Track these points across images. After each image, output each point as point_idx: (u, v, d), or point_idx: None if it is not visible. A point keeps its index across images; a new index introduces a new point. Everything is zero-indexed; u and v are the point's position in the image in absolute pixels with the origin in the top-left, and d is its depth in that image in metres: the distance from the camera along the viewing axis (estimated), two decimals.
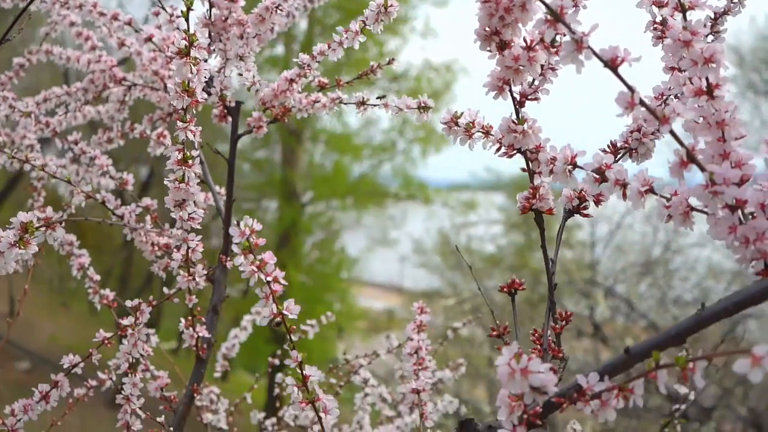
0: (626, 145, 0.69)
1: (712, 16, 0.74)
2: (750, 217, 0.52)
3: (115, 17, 1.11)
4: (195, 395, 1.00)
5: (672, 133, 0.51)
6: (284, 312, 0.63)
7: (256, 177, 11.76)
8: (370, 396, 1.27)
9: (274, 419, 1.35)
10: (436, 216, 11.02)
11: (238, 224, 0.61)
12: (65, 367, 0.92)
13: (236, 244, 0.61)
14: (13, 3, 1.19)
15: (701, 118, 0.55)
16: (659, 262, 6.90)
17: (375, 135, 12.44)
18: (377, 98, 0.92)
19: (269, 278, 0.63)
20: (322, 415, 0.65)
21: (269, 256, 0.63)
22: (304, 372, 0.65)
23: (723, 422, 6.15)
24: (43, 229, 0.67)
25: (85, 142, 1.14)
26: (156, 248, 1.03)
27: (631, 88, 0.51)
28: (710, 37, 0.73)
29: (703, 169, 0.51)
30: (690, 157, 0.52)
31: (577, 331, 6.45)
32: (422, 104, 0.86)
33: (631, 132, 0.69)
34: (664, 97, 0.70)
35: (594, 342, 6.36)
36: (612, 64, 0.51)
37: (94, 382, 1.10)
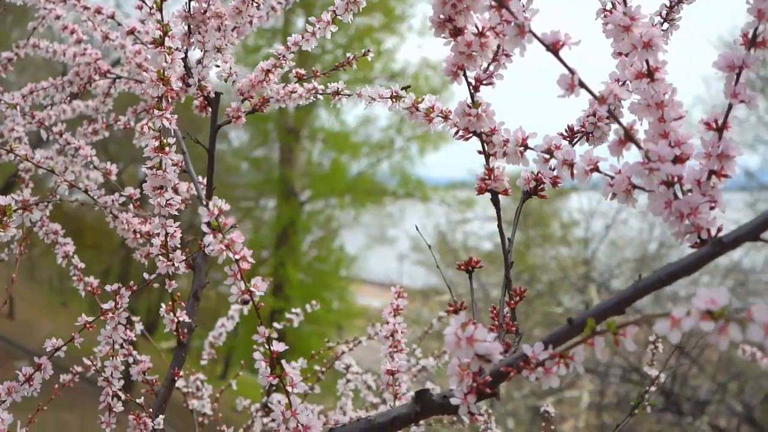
0: (582, 129, 0.72)
1: (668, 4, 0.77)
2: (688, 193, 0.55)
3: (98, 11, 1.14)
4: (176, 378, 1.02)
5: (610, 112, 0.54)
6: (252, 289, 0.66)
7: (255, 176, 11.80)
8: (352, 382, 1.30)
9: (258, 404, 1.38)
10: (433, 213, 11.05)
11: (207, 205, 0.64)
12: (48, 350, 0.95)
13: (205, 223, 0.64)
14: None
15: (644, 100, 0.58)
16: (655, 258, 6.94)
17: (373, 133, 12.48)
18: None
19: (237, 257, 0.65)
20: (289, 388, 0.67)
21: (237, 236, 0.66)
22: (271, 348, 0.68)
23: (718, 417, 6.18)
24: (20, 211, 0.70)
25: (69, 133, 1.17)
26: (138, 236, 1.06)
27: (571, 71, 0.54)
28: (665, 25, 0.76)
29: (640, 147, 0.54)
30: (628, 136, 0.54)
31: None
32: (394, 94, 0.89)
33: (587, 116, 0.72)
34: (620, 83, 0.73)
35: None
36: (553, 48, 0.54)
37: (79, 368, 1.12)
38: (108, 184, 1.21)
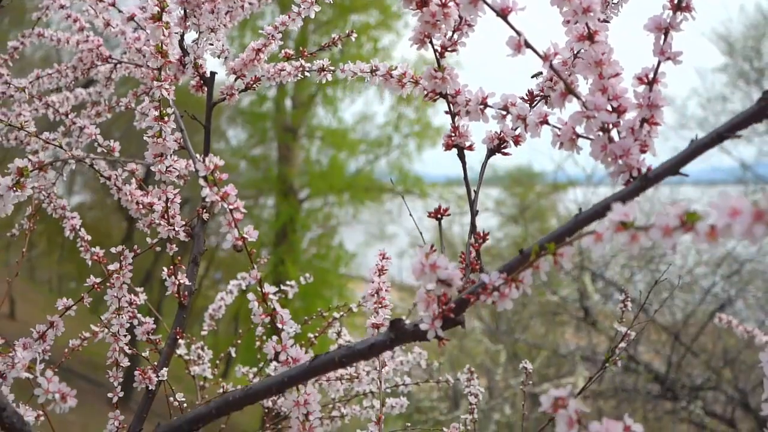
0: (541, 93, 0.80)
1: None
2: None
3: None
4: (178, 338, 1.10)
5: (551, 67, 0.62)
6: (245, 236, 0.74)
7: (253, 174, 11.86)
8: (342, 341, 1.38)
9: (255, 369, 1.46)
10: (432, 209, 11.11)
11: (204, 160, 0.72)
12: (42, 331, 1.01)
13: (201, 177, 0.72)
14: None
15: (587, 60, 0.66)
16: (650, 248, 7.03)
17: (371, 130, 12.55)
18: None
19: (231, 207, 0.73)
20: (279, 325, 0.75)
21: (231, 188, 0.74)
22: (264, 290, 0.76)
23: (713, 403, 6.27)
24: (36, 171, 0.78)
25: (74, 114, 1.25)
26: (141, 207, 1.14)
27: (518, 33, 0.62)
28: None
29: (579, 98, 0.62)
30: (568, 89, 0.62)
31: (575, 323, 6.59)
32: (374, 68, 0.96)
33: (545, 81, 0.79)
34: (575, 51, 0.81)
35: (587, 327, 6.49)
36: (503, 13, 0.62)
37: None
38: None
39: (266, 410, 1.46)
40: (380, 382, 0.96)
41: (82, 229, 1.22)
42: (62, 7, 1.32)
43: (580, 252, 6.79)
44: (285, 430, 1.39)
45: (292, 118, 11.79)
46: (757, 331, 2.19)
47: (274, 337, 0.77)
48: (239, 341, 1.65)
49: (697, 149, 0.57)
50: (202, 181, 0.73)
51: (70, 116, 1.21)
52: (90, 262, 1.19)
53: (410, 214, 1.18)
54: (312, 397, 0.75)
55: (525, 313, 6.72)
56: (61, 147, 1.11)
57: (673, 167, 0.58)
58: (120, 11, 1.21)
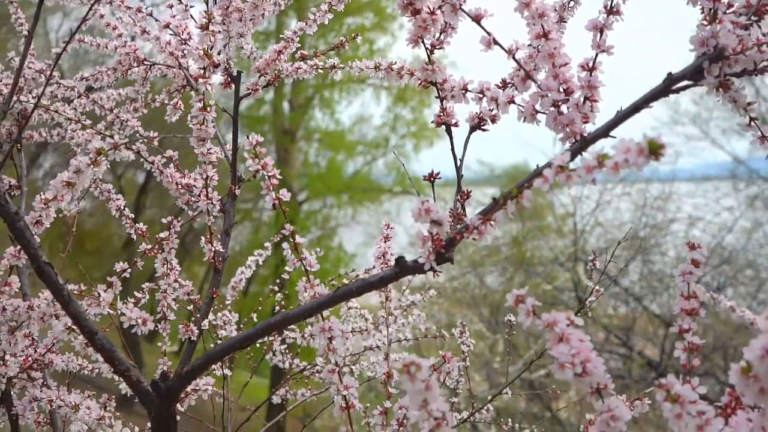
0: (512, 81, 0.99)
1: None
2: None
3: (138, 10, 1.41)
4: (214, 297, 1.30)
5: (514, 59, 0.82)
6: (280, 196, 0.94)
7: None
8: (352, 310, 1.58)
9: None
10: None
11: (248, 137, 0.92)
12: None
13: (246, 150, 0.92)
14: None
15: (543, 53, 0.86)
16: (642, 239, 7.25)
17: (368, 132, 12.75)
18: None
19: (269, 174, 0.93)
20: (308, 267, 0.95)
21: (269, 160, 0.93)
22: (295, 240, 0.96)
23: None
24: (112, 150, 0.97)
25: (118, 110, 1.45)
26: (179, 187, 1.34)
27: (488, 33, 0.82)
28: (572, 3, 1.04)
29: (535, 82, 0.82)
30: (527, 75, 0.82)
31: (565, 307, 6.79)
32: (377, 64, 1.16)
33: (514, 71, 0.99)
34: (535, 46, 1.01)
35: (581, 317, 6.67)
36: (477, 19, 0.82)
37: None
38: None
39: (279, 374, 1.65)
40: (386, 313, 1.16)
41: (126, 209, 1.42)
42: (102, 16, 1.51)
43: (575, 243, 7.02)
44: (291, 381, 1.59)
45: (290, 121, 11.98)
46: (749, 313, 2.37)
47: (303, 278, 0.96)
48: (260, 308, 1.85)
49: (620, 117, 0.77)
50: (246, 154, 0.92)
51: (114, 111, 1.41)
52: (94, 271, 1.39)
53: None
54: (335, 325, 0.95)
55: None
56: (111, 137, 1.31)
57: (603, 132, 0.78)
58: (156, 20, 1.40)
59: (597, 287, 1.36)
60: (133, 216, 1.41)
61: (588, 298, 1.32)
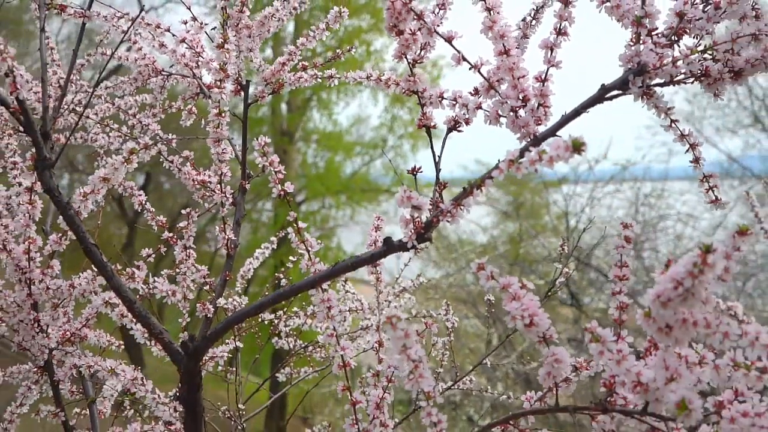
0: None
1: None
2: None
3: (158, 26, 1.59)
4: (227, 279, 1.47)
5: (480, 72, 1.00)
6: (285, 189, 1.12)
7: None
8: (349, 293, 1.75)
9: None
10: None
11: (257, 138, 1.09)
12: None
13: (256, 150, 1.09)
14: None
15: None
16: (638, 235, 7.44)
17: (365, 132, 12.92)
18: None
19: (276, 169, 1.11)
20: (309, 248, 1.13)
21: (275, 157, 1.11)
22: (298, 225, 1.13)
23: None
24: (143, 150, 1.15)
25: (140, 114, 1.62)
26: (195, 183, 1.51)
27: (458, 51, 0.99)
28: (534, 22, 1.21)
29: (497, 92, 1.00)
30: (490, 86, 1.00)
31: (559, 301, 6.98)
32: (369, 75, 1.34)
33: (481, 82, 1.17)
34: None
35: (574, 311, 6.89)
36: (448, 40, 0.99)
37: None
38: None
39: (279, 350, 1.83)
40: (377, 289, 1.33)
41: (148, 203, 1.60)
42: (124, 32, 1.69)
43: (566, 239, 7.19)
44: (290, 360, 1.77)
45: (288, 122, 12.14)
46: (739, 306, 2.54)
47: (306, 256, 1.14)
48: (266, 293, 2.02)
49: (564, 120, 0.94)
50: (256, 153, 1.10)
51: (137, 116, 1.59)
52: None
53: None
54: (332, 296, 1.12)
55: None
56: (134, 139, 1.49)
57: (550, 132, 0.96)
58: (174, 35, 1.58)
59: (567, 269, 1.53)
60: (153, 210, 1.59)
61: (558, 279, 1.49)
